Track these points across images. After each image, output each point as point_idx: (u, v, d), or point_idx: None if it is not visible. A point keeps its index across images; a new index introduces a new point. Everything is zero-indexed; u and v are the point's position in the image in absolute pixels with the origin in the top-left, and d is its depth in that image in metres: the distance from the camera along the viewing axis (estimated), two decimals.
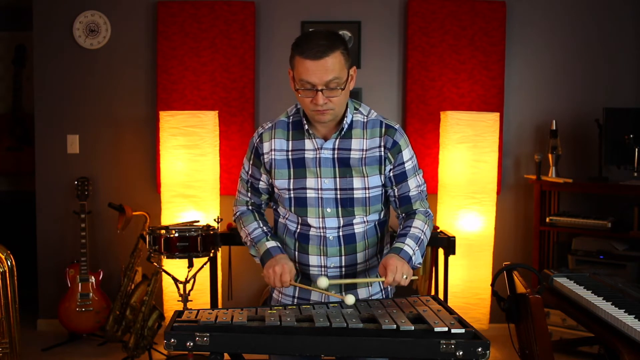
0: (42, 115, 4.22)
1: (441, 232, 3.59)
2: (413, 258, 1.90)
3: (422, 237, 1.95)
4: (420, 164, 4.20)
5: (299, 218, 1.97)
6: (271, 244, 1.98)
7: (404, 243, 1.91)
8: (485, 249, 3.91)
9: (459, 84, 4.12)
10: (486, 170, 3.88)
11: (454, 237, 3.49)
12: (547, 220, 3.94)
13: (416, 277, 2.01)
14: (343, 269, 1.97)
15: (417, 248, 1.92)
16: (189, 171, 3.83)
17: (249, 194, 2.10)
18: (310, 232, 1.96)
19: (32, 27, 4.19)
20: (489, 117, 3.88)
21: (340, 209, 1.93)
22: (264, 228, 2.04)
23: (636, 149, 3.75)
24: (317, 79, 1.80)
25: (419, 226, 1.96)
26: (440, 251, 3.58)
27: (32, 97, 4.34)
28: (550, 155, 3.98)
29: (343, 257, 1.96)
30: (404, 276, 1.81)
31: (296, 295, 2.01)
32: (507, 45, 4.14)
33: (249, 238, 2.04)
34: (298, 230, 1.98)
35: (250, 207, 2.11)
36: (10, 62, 4.95)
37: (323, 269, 1.96)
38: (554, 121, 3.98)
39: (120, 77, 4.20)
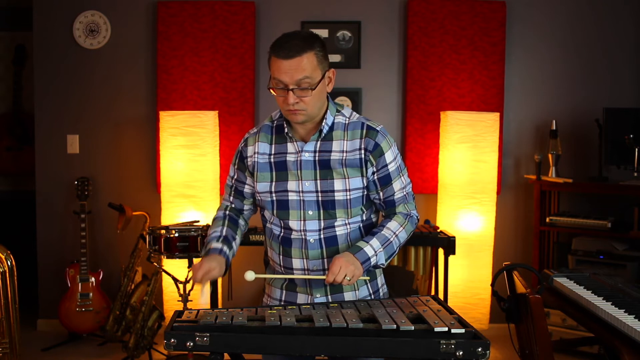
0: (42, 115, 4.22)
1: (441, 232, 3.59)
2: (372, 259, 1.88)
3: (391, 238, 1.93)
4: (420, 164, 4.23)
5: (282, 222, 1.97)
6: (216, 245, 1.98)
7: (367, 243, 1.90)
8: (485, 249, 3.91)
9: (459, 84, 4.12)
10: (486, 170, 3.88)
11: (454, 237, 3.49)
12: (547, 220, 3.94)
13: (367, 278, 1.98)
14: (326, 272, 1.94)
15: (381, 249, 1.91)
16: (189, 171, 3.83)
17: (232, 198, 2.10)
18: (292, 236, 1.95)
19: (32, 27, 4.19)
20: (489, 117, 3.88)
21: (321, 211, 1.93)
22: (223, 232, 2.03)
23: (636, 149, 3.75)
24: (288, 78, 1.83)
25: (391, 227, 1.95)
26: (440, 251, 3.57)
27: (32, 97, 4.35)
28: (550, 155, 3.98)
29: (325, 260, 1.95)
30: (347, 277, 1.81)
31: (282, 298, 2.02)
32: (507, 45, 4.14)
33: (207, 240, 2.05)
34: (281, 235, 1.98)
35: (227, 212, 2.10)
36: (10, 62, 4.95)
37: (306, 272, 1.95)
38: (554, 121, 3.98)
39: (120, 77, 4.20)
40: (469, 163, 3.85)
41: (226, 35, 4.11)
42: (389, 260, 1.95)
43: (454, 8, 4.09)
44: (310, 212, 1.93)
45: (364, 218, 2.00)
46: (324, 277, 1.85)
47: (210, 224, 2.12)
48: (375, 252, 1.89)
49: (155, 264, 3.51)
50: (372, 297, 2.03)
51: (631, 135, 3.75)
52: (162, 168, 3.93)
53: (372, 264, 1.90)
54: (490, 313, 3.94)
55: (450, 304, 3.50)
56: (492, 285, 2.22)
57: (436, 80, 4.12)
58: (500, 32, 4.10)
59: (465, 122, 3.84)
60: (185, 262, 3.40)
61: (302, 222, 1.93)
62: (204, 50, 4.12)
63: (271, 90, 1.89)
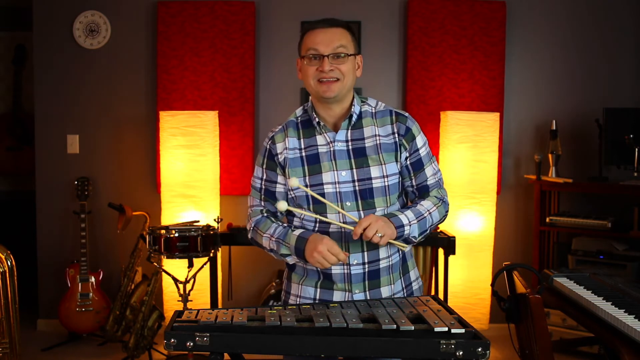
0: (42, 115, 4.22)
1: (441, 232, 3.59)
2: (406, 228, 1.85)
3: (425, 214, 1.91)
4: None
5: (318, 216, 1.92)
6: (299, 231, 1.89)
7: (401, 212, 1.88)
8: (485, 249, 3.91)
9: (459, 84, 4.12)
10: (486, 170, 3.88)
11: (454, 237, 3.49)
12: (547, 220, 3.94)
13: (405, 247, 1.92)
14: (366, 266, 1.93)
15: (415, 221, 1.88)
16: (189, 171, 3.83)
17: (263, 203, 2.01)
18: (330, 229, 1.91)
19: (32, 27, 4.19)
20: (489, 117, 3.88)
21: (360, 201, 1.90)
22: (284, 225, 1.96)
23: (636, 149, 3.75)
24: (324, 46, 1.88)
25: (425, 205, 1.94)
26: (440, 251, 3.57)
27: (32, 97, 4.35)
28: (550, 155, 3.98)
29: (365, 253, 1.92)
30: (378, 234, 1.77)
31: (317, 297, 1.95)
32: (507, 46, 4.14)
33: (274, 239, 1.93)
34: (317, 229, 1.93)
35: (265, 214, 2.01)
36: (10, 62, 4.95)
37: (346, 267, 1.91)
38: (554, 121, 3.98)
39: (120, 77, 4.20)
40: (469, 163, 3.85)
41: (226, 35, 4.11)
42: (421, 237, 1.92)
43: (454, 8, 4.09)
44: (348, 204, 1.89)
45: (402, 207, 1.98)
46: (351, 227, 1.81)
47: (255, 230, 2.00)
48: (410, 222, 1.87)
49: (155, 264, 3.51)
50: (405, 290, 2.01)
51: (631, 135, 3.75)
52: (162, 168, 3.93)
53: (405, 232, 1.86)
54: (490, 313, 3.94)
55: (450, 304, 3.50)
56: (492, 285, 2.22)
57: (436, 80, 4.12)
58: (500, 32, 4.10)
59: (465, 122, 3.84)
60: (185, 262, 3.39)
61: (341, 214, 1.89)
62: (204, 50, 4.11)
63: (303, 62, 1.92)
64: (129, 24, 4.18)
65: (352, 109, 1.94)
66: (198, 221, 3.62)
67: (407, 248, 1.96)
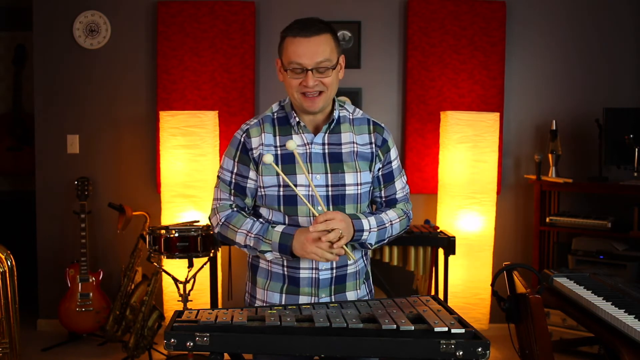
0: (42, 115, 4.22)
1: (441, 232, 3.59)
2: (365, 234, 1.86)
3: (387, 224, 1.92)
4: (420, 164, 4.24)
5: (287, 218, 1.90)
6: (280, 227, 1.85)
7: (365, 217, 1.88)
8: (485, 249, 3.91)
9: (459, 84, 4.12)
10: (486, 170, 3.88)
11: (454, 237, 3.49)
12: (547, 220, 3.94)
13: (353, 257, 1.88)
14: (334, 271, 1.92)
15: (375, 229, 1.88)
16: (189, 171, 3.83)
17: (232, 197, 1.95)
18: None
19: (32, 27, 4.19)
20: (489, 117, 3.88)
21: (331, 207, 1.88)
22: (261, 220, 1.92)
23: (636, 149, 3.75)
24: (307, 60, 1.81)
25: (389, 214, 1.95)
26: (440, 251, 3.57)
27: (32, 97, 4.35)
28: (550, 155, 3.98)
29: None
30: (341, 232, 1.76)
31: (282, 302, 1.93)
32: (507, 45, 4.14)
33: (252, 235, 1.87)
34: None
35: (235, 209, 1.95)
36: (10, 62, 4.95)
37: (314, 271, 1.91)
38: (554, 121, 3.98)
39: (120, 77, 4.20)
40: (469, 163, 3.85)
41: (226, 35, 4.11)
42: (376, 245, 1.92)
43: (454, 8, 4.09)
44: (319, 208, 1.87)
45: None
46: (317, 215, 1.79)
47: (225, 226, 1.92)
48: (370, 228, 1.87)
49: (155, 264, 3.51)
50: (369, 296, 2.03)
51: (631, 135, 3.75)
52: (162, 168, 3.93)
53: (362, 238, 1.86)
54: (490, 313, 3.94)
55: (450, 304, 3.50)
56: (492, 285, 2.22)
57: (436, 80, 4.12)
58: (500, 32, 4.10)
59: (465, 122, 3.84)
60: (185, 262, 3.39)
61: (312, 218, 1.86)
62: (204, 50, 4.12)
63: (285, 75, 1.85)
64: (129, 24, 4.18)
65: (334, 112, 1.92)
66: (198, 221, 3.62)
67: (352, 260, 1.92)
